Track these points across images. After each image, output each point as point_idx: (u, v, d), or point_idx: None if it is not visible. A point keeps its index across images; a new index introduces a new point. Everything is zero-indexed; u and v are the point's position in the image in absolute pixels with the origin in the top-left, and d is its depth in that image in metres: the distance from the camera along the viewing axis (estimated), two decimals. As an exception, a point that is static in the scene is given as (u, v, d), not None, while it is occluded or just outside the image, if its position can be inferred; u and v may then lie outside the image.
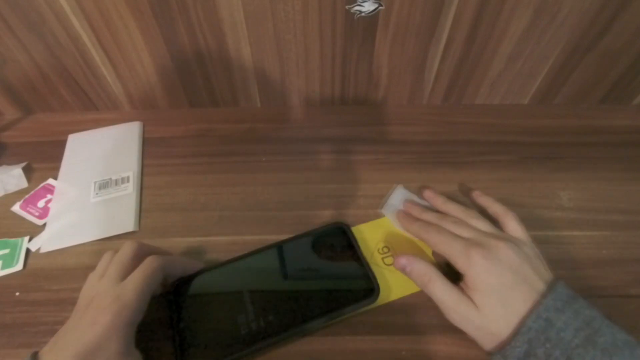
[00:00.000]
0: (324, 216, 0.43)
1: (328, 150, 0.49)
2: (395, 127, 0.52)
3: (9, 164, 0.48)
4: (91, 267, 0.39)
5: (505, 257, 0.33)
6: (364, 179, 0.46)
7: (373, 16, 0.43)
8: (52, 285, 0.39)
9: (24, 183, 0.46)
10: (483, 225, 0.37)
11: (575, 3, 0.42)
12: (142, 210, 0.44)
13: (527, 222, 0.42)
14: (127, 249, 0.34)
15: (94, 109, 0.54)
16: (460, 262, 0.34)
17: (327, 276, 0.37)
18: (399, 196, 0.44)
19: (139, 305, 0.31)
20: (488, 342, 0.32)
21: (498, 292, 0.32)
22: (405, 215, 0.41)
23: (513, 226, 0.37)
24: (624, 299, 0.37)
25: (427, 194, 0.43)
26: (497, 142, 0.50)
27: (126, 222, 0.43)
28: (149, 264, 0.33)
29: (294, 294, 0.36)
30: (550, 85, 0.52)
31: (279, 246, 0.39)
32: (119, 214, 0.44)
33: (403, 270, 0.36)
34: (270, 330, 0.34)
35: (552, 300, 0.30)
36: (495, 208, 0.40)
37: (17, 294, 0.38)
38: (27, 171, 0.47)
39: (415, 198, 0.44)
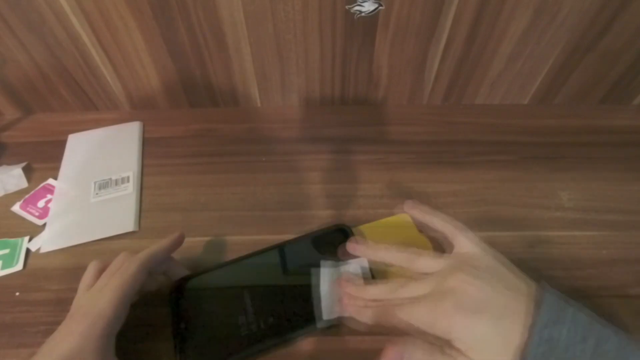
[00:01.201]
0: (324, 216, 0.43)
1: (328, 150, 0.49)
2: (395, 127, 0.52)
3: (9, 164, 0.48)
4: (91, 267, 0.40)
5: (465, 297, 0.28)
6: (364, 179, 0.46)
7: (373, 16, 0.43)
8: (52, 285, 0.39)
9: (24, 183, 0.46)
10: (429, 264, 0.32)
11: (575, 3, 0.42)
12: (142, 210, 0.44)
13: (527, 222, 0.43)
14: (118, 261, 0.34)
15: (94, 109, 0.54)
16: (437, 330, 0.29)
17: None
18: (325, 282, 0.35)
19: (116, 315, 0.30)
20: None
21: (487, 337, 0.27)
22: (350, 304, 0.33)
23: (463, 242, 0.33)
24: (624, 299, 0.37)
25: (353, 248, 0.36)
26: (497, 142, 0.50)
27: (126, 222, 0.43)
28: (123, 272, 0.32)
29: (295, 296, 0.36)
30: (550, 85, 0.52)
31: (281, 247, 0.39)
32: (118, 214, 0.43)
33: None
34: (270, 332, 0.34)
35: (546, 313, 0.27)
36: (435, 224, 0.35)
37: (17, 294, 0.38)
38: (27, 171, 0.47)
39: (335, 270, 0.36)
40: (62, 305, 0.37)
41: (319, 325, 0.34)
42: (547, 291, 0.28)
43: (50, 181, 0.47)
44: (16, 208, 0.44)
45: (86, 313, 0.30)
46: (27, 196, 0.45)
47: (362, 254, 0.36)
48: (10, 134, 0.52)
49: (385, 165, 0.48)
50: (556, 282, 0.38)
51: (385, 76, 0.51)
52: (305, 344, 0.35)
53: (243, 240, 0.41)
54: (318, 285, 0.35)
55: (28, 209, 0.44)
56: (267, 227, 0.42)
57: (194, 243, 0.41)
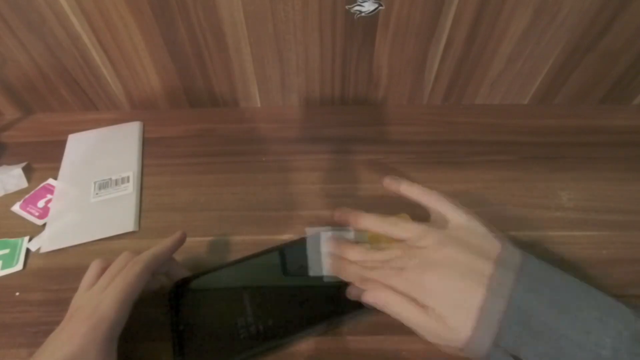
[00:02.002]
0: (324, 216, 0.43)
1: (328, 150, 0.49)
2: (395, 127, 0.52)
3: (9, 164, 0.48)
4: (91, 267, 0.40)
5: (429, 261, 0.31)
6: (364, 179, 0.46)
7: (373, 16, 0.43)
8: (52, 285, 0.39)
9: (24, 183, 0.47)
10: (406, 228, 0.34)
11: (575, 3, 0.42)
12: (142, 210, 0.44)
13: (527, 222, 0.43)
14: (121, 261, 0.34)
15: (94, 109, 0.54)
16: (409, 290, 0.31)
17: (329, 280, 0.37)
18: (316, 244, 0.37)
19: (118, 317, 0.30)
20: (466, 346, 0.29)
21: (445, 299, 0.30)
22: (331, 262, 0.35)
23: (438, 210, 0.34)
24: (624, 299, 0.37)
25: (339, 218, 0.38)
26: (497, 142, 0.50)
27: (126, 222, 0.43)
28: (127, 273, 0.32)
29: (294, 298, 0.36)
30: (550, 85, 0.52)
31: (281, 249, 0.39)
32: (118, 214, 0.44)
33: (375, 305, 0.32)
34: (269, 334, 0.34)
35: (510, 276, 0.29)
36: (414, 195, 0.36)
37: (17, 294, 0.38)
38: (27, 171, 0.47)
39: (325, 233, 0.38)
40: (62, 305, 0.37)
41: (323, 278, 0.35)
42: (508, 252, 0.30)
43: (50, 181, 0.47)
44: (16, 208, 0.44)
45: (89, 315, 0.29)
46: (27, 196, 0.45)
47: (346, 222, 0.37)
48: (10, 133, 0.52)
49: (385, 165, 0.48)
50: (556, 282, 0.38)
51: (385, 76, 0.51)
52: (305, 343, 0.35)
53: (243, 240, 0.41)
54: (318, 245, 0.37)
55: (28, 209, 0.44)
56: (267, 227, 0.42)
57: (194, 243, 0.41)
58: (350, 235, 0.38)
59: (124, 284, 0.31)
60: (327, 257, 0.36)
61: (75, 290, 0.38)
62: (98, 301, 0.30)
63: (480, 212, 0.43)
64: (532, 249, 0.40)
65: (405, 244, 0.33)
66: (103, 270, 0.34)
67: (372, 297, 0.32)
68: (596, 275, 0.39)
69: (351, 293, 0.34)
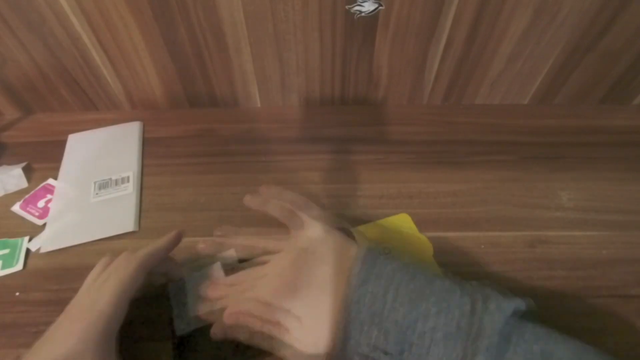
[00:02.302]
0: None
1: (328, 150, 0.49)
2: (395, 127, 0.52)
3: (9, 164, 0.48)
4: (91, 267, 0.39)
5: (291, 274, 0.33)
6: (364, 179, 0.46)
7: (373, 16, 0.43)
8: (52, 285, 0.39)
9: (24, 183, 0.47)
10: (269, 246, 0.37)
11: (575, 3, 0.42)
12: (142, 210, 0.44)
13: (527, 222, 0.43)
14: (117, 261, 0.34)
15: (94, 109, 0.54)
16: (265, 314, 0.32)
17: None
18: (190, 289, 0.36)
19: (116, 313, 0.30)
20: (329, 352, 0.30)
21: (305, 311, 0.31)
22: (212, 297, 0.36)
23: (303, 219, 0.36)
24: (624, 299, 0.37)
25: (203, 249, 0.39)
26: (497, 142, 0.50)
27: (126, 222, 0.43)
28: (121, 271, 0.32)
29: None
30: (550, 85, 0.52)
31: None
32: (118, 214, 0.43)
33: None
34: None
35: (355, 278, 0.30)
36: (274, 211, 0.38)
37: (17, 294, 0.38)
38: (27, 171, 0.47)
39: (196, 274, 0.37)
40: (62, 305, 0.37)
41: (180, 330, 0.34)
42: (364, 253, 0.31)
43: (50, 181, 0.47)
44: (16, 208, 0.44)
45: (85, 312, 0.30)
46: (27, 196, 0.45)
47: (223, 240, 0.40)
48: (10, 133, 0.52)
49: (385, 165, 0.48)
50: (556, 283, 0.38)
51: (385, 76, 0.51)
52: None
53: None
54: (181, 296, 0.36)
55: (28, 209, 0.44)
56: (267, 227, 0.42)
57: (194, 243, 0.41)
58: (218, 266, 0.37)
59: (118, 281, 0.31)
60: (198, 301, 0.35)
61: (75, 290, 0.37)
62: (94, 299, 0.30)
63: (480, 212, 0.43)
64: (532, 249, 0.41)
65: (266, 265, 0.35)
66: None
67: (222, 331, 0.32)
68: (596, 275, 0.39)
69: (216, 334, 0.33)
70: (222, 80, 0.51)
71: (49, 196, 0.45)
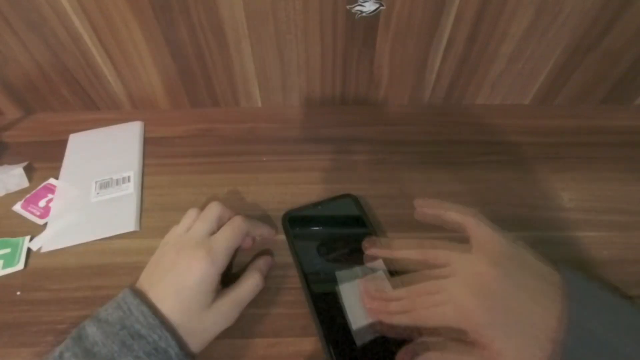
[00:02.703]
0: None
1: (328, 150, 0.49)
2: (395, 127, 0.52)
3: (10, 163, 0.48)
4: (92, 267, 0.40)
5: (488, 284, 0.28)
6: (364, 179, 0.46)
7: (374, 16, 0.43)
8: (53, 284, 0.39)
9: (25, 182, 0.47)
10: (447, 256, 0.31)
11: (576, 3, 0.42)
12: (142, 210, 0.44)
13: (528, 222, 0.43)
14: (213, 208, 0.37)
15: (95, 108, 0.54)
16: (463, 326, 0.28)
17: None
18: (348, 295, 0.35)
19: (226, 259, 0.34)
20: None
21: (509, 328, 0.26)
22: (374, 310, 0.33)
23: (479, 231, 0.32)
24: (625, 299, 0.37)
25: (372, 252, 0.37)
26: (497, 143, 0.50)
27: (127, 221, 0.43)
28: (237, 225, 0.36)
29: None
30: (551, 85, 0.51)
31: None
32: (119, 213, 0.44)
33: None
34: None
35: (578, 305, 0.26)
36: (450, 217, 0.34)
37: (18, 293, 0.38)
38: (28, 171, 0.47)
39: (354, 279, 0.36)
40: (62, 304, 0.37)
41: (358, 342, 0.33)
42: (573, 278, 0.27)
43: (52, 181, 0.47)
44: (17, 207, 0.44)
45: (205, 254, 0.32)
46: (28, 196, 0.45)
47: (377, 254, 0.37)
48: (11, 133, 0.52)
49: (385, 165, 0.48)
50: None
51: (386, 76, 0.51)
52: (306, 343, 0.35)
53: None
54: (341, 300, 0.35)
55: (29, 208, 0.44)
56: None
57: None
58: (381, 274, 0.36)
59: (233, 233, 0.35)
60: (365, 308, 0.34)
61: (76, 289, 0.38)
62: (212, 242, 0.34)
63: (481, 212, 0.43)
64: (533, 249, 0.40)
65: (451, 273, 0.30)
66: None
67: (421, 319, 0.30)
68: (597, 275, 0.39)
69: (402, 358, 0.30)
70: (222, 80, 0.51)
71: (50, 196, 0.45)
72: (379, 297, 0.34)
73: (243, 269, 0.37)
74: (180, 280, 0.31)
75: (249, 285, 0.35)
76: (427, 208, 0.36)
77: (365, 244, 0.37)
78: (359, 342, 0.33)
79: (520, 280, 0.28)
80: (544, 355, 0.25)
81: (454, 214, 0.34)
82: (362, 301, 0.34)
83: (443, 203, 0.35)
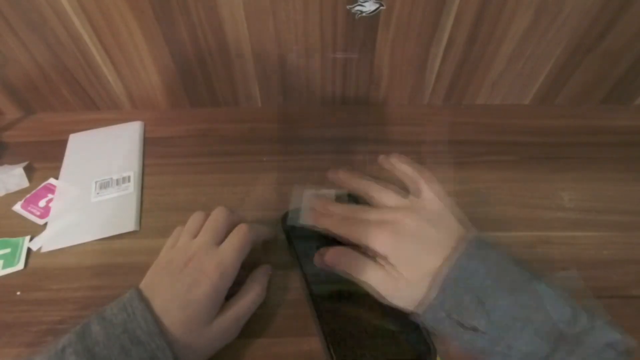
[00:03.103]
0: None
1: (328, 150, 0.49)
2: (395, 127, 0.52)
3: (10, 163, 0.48)
4: (92, 267, 0.40)
5: (405, 227, 0.33)
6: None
7: (374, 16, 0.43)
8: (53, 284, 0.39)
9: (25, 182, 0.47)
10: (392, 198, 0.36)
11: (576, 3, 0.42)
12: (142, 210, 0.44)
13: (528, 222, 0.43)
14: (220, 216, 0.36)
15: (95, 108, 0.54)
16: (377, 247, 0.33)
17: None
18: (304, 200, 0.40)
19: (234, 272, 0.33)
20: (415, 307, 0.32)
21: (409, 260, 0.32)
22: (313, 213, 0.38)
23: (426, 191, 0.36)
24: (625, 299, 0.37)
25: (332, 177, 0.40)
26: (498, 143, 0.50)
27: (127, 221, 0.43)
28: (244, 235, 0.35)
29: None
30: (551, 85, 0.51)
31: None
32: (119, 213, 0.44)
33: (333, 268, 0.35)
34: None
35: (468, 248, 0.31)
36: (403, 174, 0.38)
37: (18, 293, 0.38)
38: (28, 171, 0.47)
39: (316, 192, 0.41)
40: (63, 304, 0.37)
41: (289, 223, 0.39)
42: (478, 236, 0.32)
43: (52, 181, 0.47)
44: (17, 207, 0.44)
45: (214, 269, 0.32)
46: (28, 196, 0.45)
47: (339, 181, 0.40)
48: (11, 133, 0.52)
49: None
50: (557, 283, 0.38)
51: (386, 76, 0.51)
52: (305, 343, 0.35)
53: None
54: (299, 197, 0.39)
55: (29, 208, 0.44)
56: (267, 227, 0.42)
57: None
58: (331, 193, 0.41)
59: (241, 244, 0.34)
60: (307, 210, 0.38)
61: (76, 289, 0.38)
62: (220, 256, 0.33)
63: (481, 212, 0.43)
64: (533, 249, 0.41)
65: (388, 209, 0.35)
66: (204, 221, 0.36)
67: (336, 261, 0.34)
68: (597, 276, 0.39)
69: (316, 261, 0.36)
70: (222, 79, 0.51)
71: (50, 196, 0.45)
72: (323, 203, 0.38)
73: (241, 276, 0.36)
74: (187, 293, 0.31)
75: (250, 298, 0.34)
76: (389, 164, 0.40)
77: (330, 171, 0.40)
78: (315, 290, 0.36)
79: (432, 229, 0.33)
80: (427, 280, 0.31)
81: (408, 171, 0.38)
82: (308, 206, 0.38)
83: (408, 161, 0.39)
